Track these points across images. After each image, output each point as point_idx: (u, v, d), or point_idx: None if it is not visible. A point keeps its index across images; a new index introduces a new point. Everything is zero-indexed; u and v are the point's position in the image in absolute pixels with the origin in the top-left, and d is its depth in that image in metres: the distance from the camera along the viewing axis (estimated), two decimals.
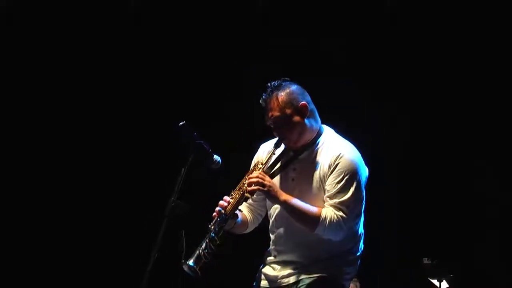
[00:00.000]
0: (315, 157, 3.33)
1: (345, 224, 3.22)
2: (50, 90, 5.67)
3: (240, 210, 3.35)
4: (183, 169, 3.15)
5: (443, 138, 5.24)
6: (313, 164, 3.32)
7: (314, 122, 3.36)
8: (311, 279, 3.29)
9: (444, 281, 4.47)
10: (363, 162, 3.34)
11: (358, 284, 4.69)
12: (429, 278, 4.53)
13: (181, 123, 3.19)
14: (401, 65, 5.27)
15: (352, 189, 3.23)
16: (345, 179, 3.23)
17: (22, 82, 5.67)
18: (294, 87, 3.34)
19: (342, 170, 3.24)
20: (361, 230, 3.39)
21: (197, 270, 3.15)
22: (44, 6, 5.60)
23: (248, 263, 3.83)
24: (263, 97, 3.34)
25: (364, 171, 3.34)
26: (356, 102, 5.15)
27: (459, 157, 5.21)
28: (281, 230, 3.38)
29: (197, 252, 3.20)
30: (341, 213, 3.21)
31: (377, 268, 5.06)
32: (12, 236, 5.61)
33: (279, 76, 3.41)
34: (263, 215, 3.53)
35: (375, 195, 3.44)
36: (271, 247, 3.44)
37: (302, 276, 3.30)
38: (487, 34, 5.11)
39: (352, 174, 3.25)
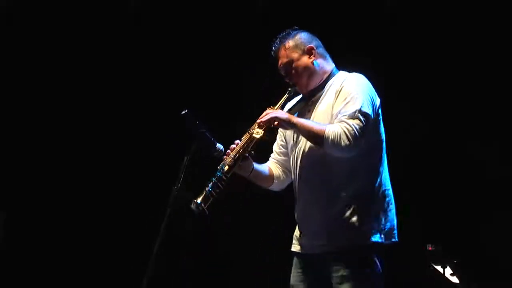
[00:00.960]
0: (327, 95, 3.32)
1: (359, 133, 3.10)
2: (50, 88, 5.68)
3: (251, 152, 3.32)
4: (185, 157, 3.15)
5: (446, 121, 5.23)
6: (325, 100, 3.31)
7: (325, 63, 3.39)
8: (340, 262, 3.21)
9: (448, 267, 4.47)
10: (372, 87, 3.29)
11: None
12: (433, 264, 4.52)
13: (183, 112, 3.20)
14: (401, 64, 5.26)
15: (360, 100, 3.16)
16: (352, 94, 3.19)
17: (21, 81, 5.68)
18: (301, 33, 3.41)
19: (348, 89, 3.22)
20: (383, 166, 3.32)
21: (205, 208, 3.16)
22: (44, 6, 5.58)
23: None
24: (273, 48, 3.41)
25: (373, 91, 3.27)
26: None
27: (462, 140, 5.20)
28: (297, 176, 3.34)
29: (205, 191, 3.21)
30: (353, 121, 3.11)
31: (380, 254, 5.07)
32: (14, 236, 5.64)
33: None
34: (286, 176, 3.51)
35: None
36: (296, 204, 3.40)
37: (331, 249, 3.22)
38: (488, 32, 5.09)
39: (358, 88, 3.21)
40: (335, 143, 3.10)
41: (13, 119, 5.67)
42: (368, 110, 3.17)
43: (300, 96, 3.47)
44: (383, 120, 3.35)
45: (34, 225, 5.64)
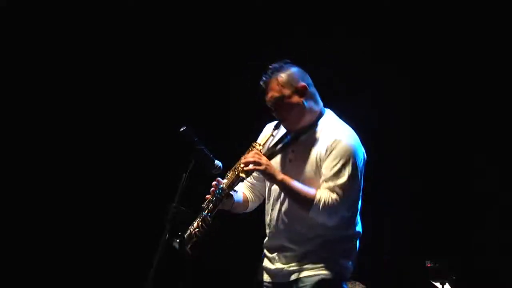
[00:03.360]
0: (314, 140, 3.33)
1: (339, 207, 3.20)
2: (49, 94, 5.67)
3: (235, 191, 3.37)
4: (184, 174, 3.16)
5: (445, 141, 5.23)
6: (311, 147, 3.31)
7: (314, 104, 3.36)
8: (309, 284, 3.27)
9: (447, 283, 4.46)
10: (361, 147, 3.32)
11: (362, 287, 4.68)
12: (431, 281, 4.51)
13: (182, 128, 3.20)
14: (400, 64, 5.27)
15: (348, 173, 3.21)
16: (341, 162, 3.21)
17: (21, 82, 5.67)
18: (294, 69, 3.37)
19: (339, 154, 3.23)
20: (358, 220, 3.36)
21: (187, 249, 3.17)
22: (43, 6, 5.60)
23: (248, 250, 3.83)
24: (263, 78, 3.37)
25: (361, 157, 3.31)
26: (356, 101, 5.14)
27: (460, 158, 5.19)
28: (276, 211, 3.38)
29: (188, 231, 3.24)
30: (335, 196, 3.19)
31: (379, 271, 5.06)
32: (16, 239, 5.62)
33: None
34: (264, 195, 3.53)
35: (377, 197, 3.44)
36: (267, 230, 3.45)
37: (301, 275, 3.29)
38: (486, 33, 5.10)
39: (348, 158, 3.22)
40: (323, 213, 3.18)
41: (12, 121, 5.66)
42: (356, 182, 3.24)
43: (284, 130, 3.44)
44: (383, 127, 3.38)
45: (28, 238, 5.63)
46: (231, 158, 3.48)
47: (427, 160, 5.25)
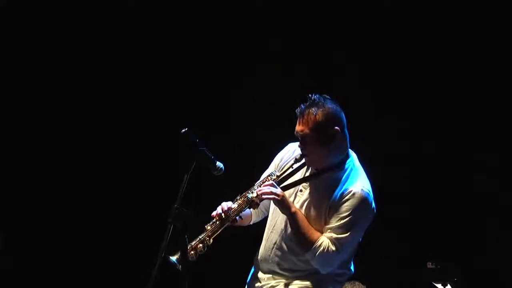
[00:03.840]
0: (331, 183, 3.30)
1: (334, 259, 3.24)
2: (49, 94, 5.67)
3: (240, 217, 3.37)
4: (186, 176, 3.14)
5: (445, 141, 5.23)
6: (326, 189, 3.29)
7: (342, 147, 3.31)
8: None
9: (448, 285, 4.46)
10: (372, 203, 3.30)
11: (361, 286, 4.68)
12: (433, 283, 4.51)
13: (183, 130, 3.19)
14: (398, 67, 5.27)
15: (352, 230, 3.23)
16: (349, 217, 3.22)
17: (22, 82, 5.66)
18: (332, 109, 3.26)
19: (350, 208, 3.22)
20: (350, 266, 3.40)
21: (178, 266, 3.15)
22: (43, 6, 5.58)
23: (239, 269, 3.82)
24: (300, 107, 3.28)
25: (370, 215, 3.31)
26: (355, 102, 5.13)
27: (461, 158, 5.19)
28: (276, 234, 3.38)
29: (187, 247, 3.19)
30: (334, 248, 3.21)
31: (381, 272, 5.05)
32: (20, 240, 5.63)
33: (278, 77, 3.42)
34: (266, 213, 3.53)
35: (379, 200, 3.42)
36: (261, 246, 3.45)
37: None
38: (483, 34, 5.10)
39: (357, 217, 3.23)
40: (319, 259, 3.22)
41: (13, 121, 5.65)
42: (356, 240, 3.29)
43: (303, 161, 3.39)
44: (384, 131, 3.38)
45: (32, 239, 5.63)
46: (233, 159, 3.48)
47: (427, 160, 5.24)
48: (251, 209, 3.50)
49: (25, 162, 5.67)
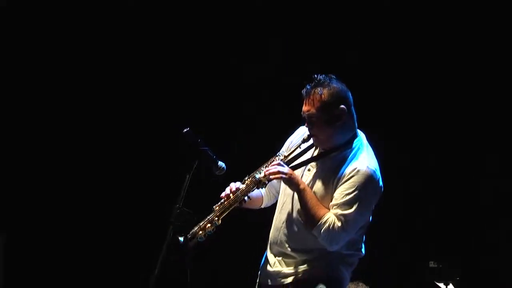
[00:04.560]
0: (338, 162, 3.29)
1: (340, 236, 3.21)
2: (50, 95, 5.66)
3: (249, 198, 3.34)
4: (187, 175, 3.14)
5: (448, 141, 5.22)
6: (333, 168, 3.29)
7: (349, 127, 3.31)
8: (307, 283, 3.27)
9: (450, 284, 4.45)
10: (379, 181, 3.28)
11: (365, 287, 4.68)
12: (435, 282, 4.51)
13: (185, 130, 3.19)
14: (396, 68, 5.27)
15: (357, 206, 3.20)
16: (354, 193, 3.20)
17: (22, 82, 5.66)
18: (338, 88, 3.26)
19: (355, 184, 3.21)
20: (361, 248, 3.37)
21: (186, 246, 3.12)
22: (43, 6, 5.58)
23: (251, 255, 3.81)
24: (306, 88, 3.28)
25: (376, 192, 3.29)
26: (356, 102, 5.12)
27: (463, 158, 5.19)
28: (285, 214, 3.36)
29: (194, 229, 3.23)
30: (340, 224, 3.19)
31: (383, 271, 5.05)
32: (22, 241, 5.64)
33: (278, 77, 3.41)
34: (277, 196, 3.50)
35: (379, 200, 3.41)
36: (272, 228, 3.43)
37: (298, 278, 3.29)
38: (482, 37, 5.10)
39: (362, 192, 3.21)
40: (324, 236, 3.18)
41: (14, 122, 5.65)
42: (362, 218, 3.25)
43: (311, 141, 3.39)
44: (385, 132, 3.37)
45: (32, 248, 5.63)
46: (234, 159, 3.47)
47: (428, 160, 5.24)
48: (262, 192, 3.51)
49: (26, 162, 5.67)
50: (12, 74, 5.64)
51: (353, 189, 3.20)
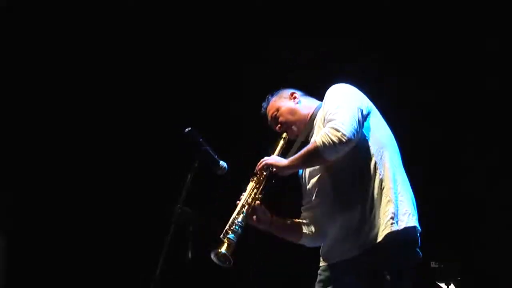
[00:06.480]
0: (315, 125, 3.36)
1: (340, 133, 3.07)
2: (50, 95, 5.67)
3: (259, 201, 3.31)
4: (189, 175, 3.14)
5: (448, 141, 5.22)
6: (316, 130, 3.33)
7: (309, 102, 3.50)
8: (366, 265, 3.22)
9: (452, 284, 4.46)
10: (354, 90, 3.29)
11: None
12: (437, 282, 4.51)
13: (187, 130, 3.19)
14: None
15: (342, 107, 3.15)
16: (332, 105, 3.19)
17: (22, 82, 5.66)
18: (283, 89, 3.58)
19: (330, 96, 3.26)
20: (393, 178, 3.38)
21: (229, 256, 3.08)
22: (43, 6, 5.58)
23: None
24: (263, 107, 3.57)
25: (350, 87, 3.28)
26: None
27: (462, 158, 5.19)
28: (326, 206, 3.30)
29: (228, 242, 3.14)
30: (333, 122, 3.11)
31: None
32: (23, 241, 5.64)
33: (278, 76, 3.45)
34: (320, 238, 3.41)
35: None
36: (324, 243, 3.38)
37: (354, 253, 3.21)
38: (482, 36, 5.11)
39: (338, 92, 3.25)
40: (328, 144, 3.08)
41: (14, 122, 5.66)
42: (352, 103, 3.20)
43: (300, 143, 3.43)
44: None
45: (33, 250, 5.63)
46: (235, 159, 3.47)
47: (428, 160, 5.24)
48: (299, 226, 3.45)
49: (28, 163, 5.68)
50: (12, 74, 5.64)
51: (330, 104, 3.21)
